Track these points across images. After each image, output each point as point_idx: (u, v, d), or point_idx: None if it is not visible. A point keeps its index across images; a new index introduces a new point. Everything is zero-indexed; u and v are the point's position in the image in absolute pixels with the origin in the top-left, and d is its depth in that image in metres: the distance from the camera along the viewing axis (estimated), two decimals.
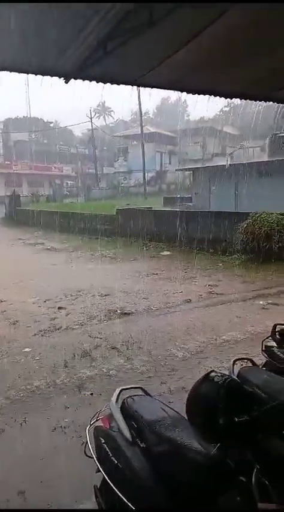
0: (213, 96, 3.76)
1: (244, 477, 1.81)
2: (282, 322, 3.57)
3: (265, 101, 4.15)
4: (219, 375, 1.80)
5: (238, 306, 7.85)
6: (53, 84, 3.14)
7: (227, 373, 2.77)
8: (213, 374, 1.81)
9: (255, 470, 1.66)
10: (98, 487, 2.28)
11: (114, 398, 2.34)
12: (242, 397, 1.80)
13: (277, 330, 3.45)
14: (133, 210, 19.33)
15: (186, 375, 4.73)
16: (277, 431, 1.73)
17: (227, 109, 47.92)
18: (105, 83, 3.32)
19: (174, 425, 2.07)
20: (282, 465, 1.68)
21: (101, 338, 6.06)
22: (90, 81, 3.20)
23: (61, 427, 3.82)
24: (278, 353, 3.28)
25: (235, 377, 2.63)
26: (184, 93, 3.75)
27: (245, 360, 3.09)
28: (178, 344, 5.78)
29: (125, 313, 7.37)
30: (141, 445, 2.05)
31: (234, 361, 2.86)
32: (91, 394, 4.41)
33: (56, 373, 4.93)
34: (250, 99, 4.08)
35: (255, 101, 4.08)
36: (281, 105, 4.81)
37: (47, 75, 3.04)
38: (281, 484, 1.65)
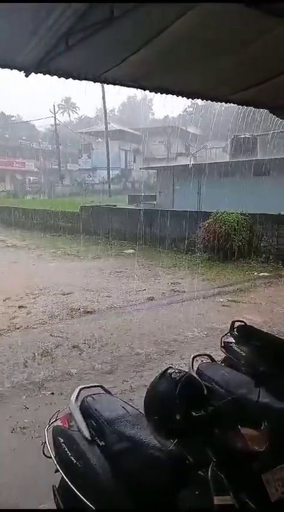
0: (175, 95, 3.80)
1: (203, 471, 1.85)
2: (240, 319, 3.68)
3: (226, 102, 4.23)
4: (176, 371, 1.83)
5: (199, 303, 7.99)
6: (15, 78, 3.06)
7: (186, 369, 2.82)
8: (170, 370, 1.83)
9: (211, 464, 1.70)
10: (57, 487, 2.25)
11: (73, 397, 2.32)
12: (199, 393, 1.83)
13: (235, 326, 3.55)
14: (97, 207, 19.20)
15: (148, 372, 4.75)
16: (233, 425, 1.77)
17: (191, 109, 48.56)
18: (66, 78, 3.26)
19: (134, 422, 2.09)
20: (237, 458, 1.73)
21: (62, 337, 5.98)
22: (51, 75, 3.13)
23: (20, 427, 3.75)
24: (236, 349, 3.37)
25: (194, 373, 2.69)
26: (149, 91, 3.76)
27: (205, 356, 3.16)
28: (141, 342, 5.80)
29: (88, 311, 7.32)
30: (100, 443, 2.05)
31: (193, 358, 2.92)
32: (52, 393, 4.35)
33: (15, 373, 4.82)
34: (211, 100, 4.14)
35: (216, 101, 4.15)
36: (241, 107, 4.92)
37: (7, 68, 2.95)
38: (236, 477, 1.69)
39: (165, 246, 14.24)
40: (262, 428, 1.80)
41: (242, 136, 20.25)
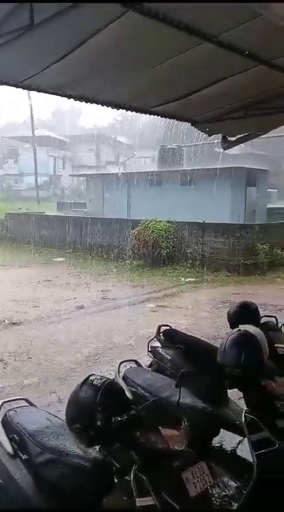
0: (99, 105, 3.86)
1: (128, 475, 1.88)
2: (166, 324, 3.79)
3: (149, 114, 4.37)
4: (98, 377, 1.84)
5: (129, 309, 8.08)
6: None
7: (113, 375, 2.85)
8: (92, 377, 1.84)
9: (134, 467, 1.73)
10: None
11: None
12: (121, 398, 1.86)
13: (161, 331, 3.65)
14: (24, 214, 18.63)
15: (76, 382, 4.68)
16: (154, 426, 1.82)
17: (120, 118, 49.14)
18: None
19: (58, 433, 2.06)
20: (158, 459, 1.78)
21: None
22: None
23: None
24: (162, 352, 3.46)
25: (120, 379, 2.73)
26: (73, 100, 3.76)
27: (132, 362, 3.21)
28: (69, 352, 5.71)
29: (13, 323, 7.04)
30: (23, 457, 2.00)
31: (120, 364, 2.96)
32: None
33: None
34: (136, 111, 4.26)
35: (140, 113, 4.27)
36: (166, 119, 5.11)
37: None
38: (157, 477, 1.74)
39: (96, 254, 14.22)
40: (181, 427, 1.87)
41: (169, 146, 20.92)
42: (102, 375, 2.01)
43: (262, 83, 3.79)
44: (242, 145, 6.48)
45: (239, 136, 5.04)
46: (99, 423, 1.68)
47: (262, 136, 5.57)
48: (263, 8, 1.85)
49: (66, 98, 3.71)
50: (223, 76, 3.55)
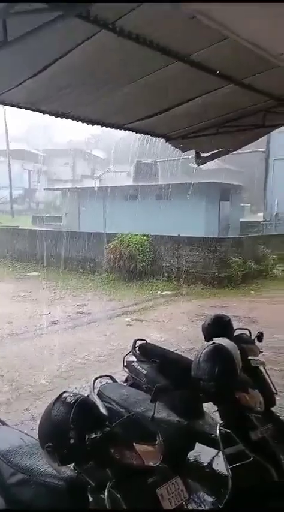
0: (74, 120, 3.89)
1: (103, 493, 1.84)
2: (141, 338, 3.78)
3: (124, 130, 4.44)
4: (71, 394, 1.82)
5: (105, 324, 8.02)
6: None
7: (88, 391, 2.82)
8: (65, 394, 1.82)
9: (109, 484, 1.71)
10: None
11: None
12: (95, 415, 1.84)
13: (136, 345, 3.63)
14: None
15: (50, 399, 4.59)
16: (128, 443, 1.80)
17: (96, 133, 49.39)
18: None
19: (31, 452, 2.01)
20: (132, 476, 1.76)
21: None
22: None
23: None
24: (138, 367, 3.44)
25: (95, 395, 2.69)
26: (48, 115, 3.78)
27: (107, 377, 3.18)
28: (43, 369, 5.59)
29: None
30: None
31: (94, 379, 2.92)
32: None
33: None
34: (110, 127, 4.31)
35: (114, 129, 4.32)
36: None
37: None
38: (131, 494, 1.72)
39: (72, 268, 14.10)
40: (156, 443, 1.86)
41: (145, 162, 21.15)
42: (76, 391, 1.98)
43: (233, 101, 3.92)
44: (216, 160, 6.64)
45: (212, 152, 5.16)
46: (72, 441, 1.65)
47: (234, 152, 5.71)
48: (229, 31, 1.93)
49: (41, 113, 3.73)
50: (195, 94, 3.66)
